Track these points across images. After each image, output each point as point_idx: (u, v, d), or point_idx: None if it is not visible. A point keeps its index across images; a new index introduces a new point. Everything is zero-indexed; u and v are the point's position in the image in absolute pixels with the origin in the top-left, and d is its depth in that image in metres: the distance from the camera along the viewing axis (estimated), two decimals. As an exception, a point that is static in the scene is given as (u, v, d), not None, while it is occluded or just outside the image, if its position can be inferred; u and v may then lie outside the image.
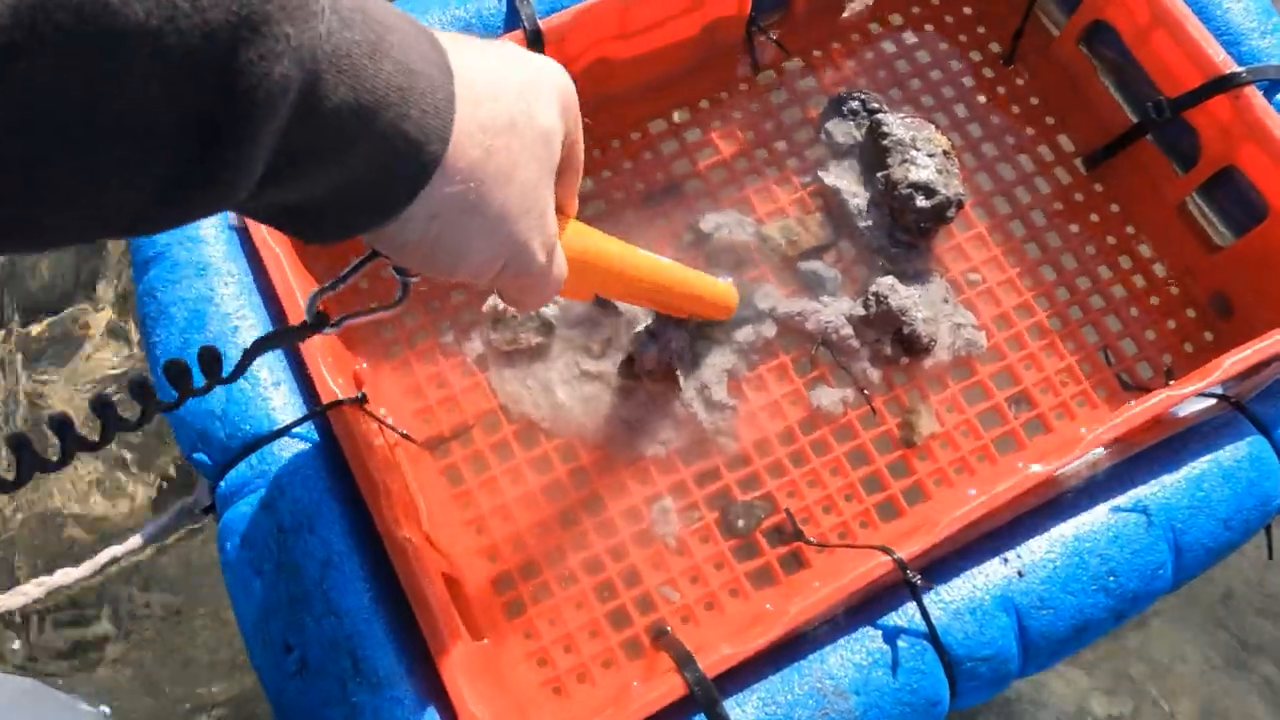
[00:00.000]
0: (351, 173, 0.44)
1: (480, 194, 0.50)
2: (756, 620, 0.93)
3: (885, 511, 1.01)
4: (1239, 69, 0.95)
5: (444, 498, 1.01)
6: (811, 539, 0.98)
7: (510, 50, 0.56)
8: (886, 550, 0.81)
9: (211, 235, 0.90)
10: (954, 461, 1.03)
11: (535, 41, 0.96)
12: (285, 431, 0.83)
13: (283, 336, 0.64)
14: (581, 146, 0.64)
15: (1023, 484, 0.82)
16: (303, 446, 0.84)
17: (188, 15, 0.33)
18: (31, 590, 0.84)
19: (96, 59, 0.31)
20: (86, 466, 1.28)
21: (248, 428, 0.84)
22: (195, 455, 0.85)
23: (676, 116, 1.16)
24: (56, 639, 1.16)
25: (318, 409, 0.84)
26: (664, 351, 0.96)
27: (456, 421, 1.03)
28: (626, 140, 1.14)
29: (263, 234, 0.89)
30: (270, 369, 0.86)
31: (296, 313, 0.86)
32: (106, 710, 0.75)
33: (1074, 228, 1.12)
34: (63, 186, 0.35)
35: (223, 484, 0.84)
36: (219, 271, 0.89)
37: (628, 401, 1.01)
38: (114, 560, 0.86)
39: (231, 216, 0.91)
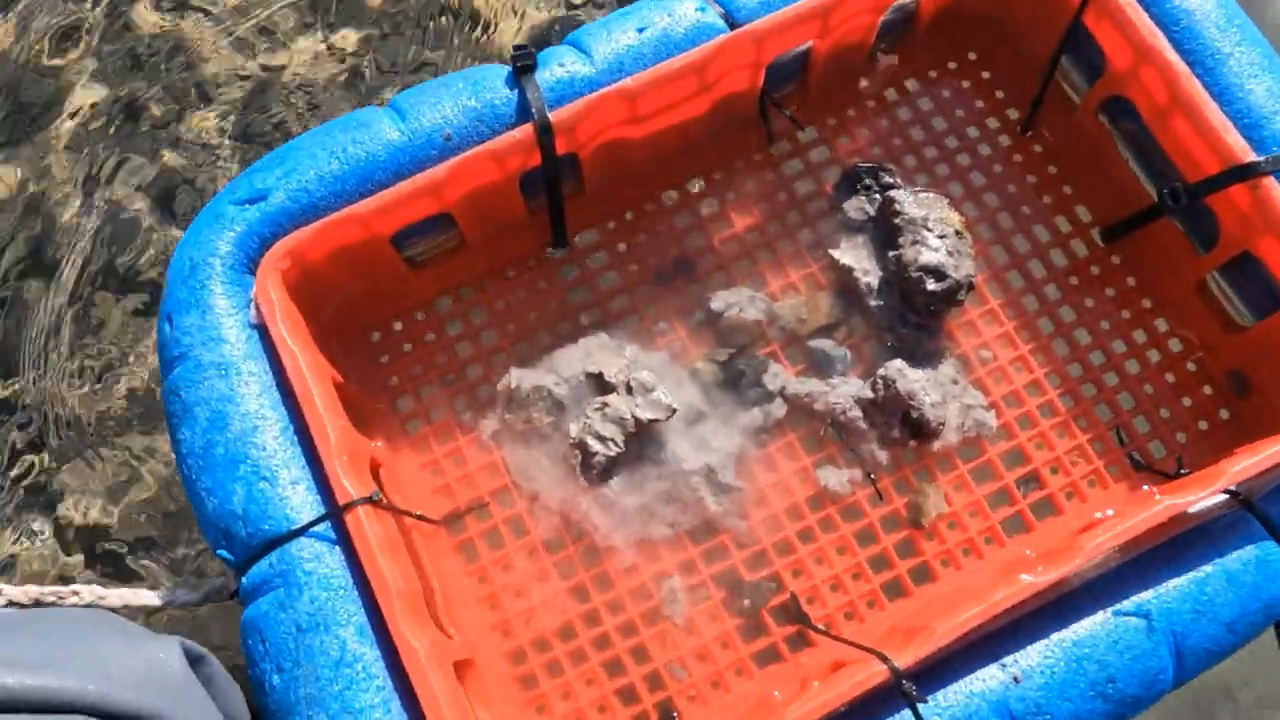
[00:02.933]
0: None
1: None
2: (759, 709, 0.96)
3: (892, 590, 1.03)
4: (1258, 158, 0.94)
5: (458, 575, 1.04)
6: (816, 623, 0.99)
7: None
8: (884, 658, 0.82)
9: (233, 335, 0.93)
10: (961, 543, 1.03)
11: (545, 133, 0.98)
12: (302, 532, 0.86)
13: None
14: None
15: (1022, 593, 0.83)
16: (320, 545, 0.87)
17: None
18: (79, 596, 0.89)
19: None
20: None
21: (267, 527, 0.87)
22: (219, 551, 0.89)
23: (692, 187, 1.16)
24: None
25: (332, 510, 0.87)
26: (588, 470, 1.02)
27: (472, 497, 1.06)
28: (641, 212, 1.15)
29: (281, 332, 0.91)
30: (289, 467, 0.89)
31: (314, 412, 0.89)
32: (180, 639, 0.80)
33: (1089, 301, 1.11)
34: None
35: (245, 580, 0.88)
36: (239, 371, 0.92)
37: (636, 484, 1.03)
38: (126, 606, 0.90)
39: (251, 313, 0.94)
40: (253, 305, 0.94)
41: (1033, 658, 0.86)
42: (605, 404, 1.02)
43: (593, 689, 1.00)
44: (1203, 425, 1.07)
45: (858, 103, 1.18)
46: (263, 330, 0.94)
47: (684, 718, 0.99)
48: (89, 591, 0.91)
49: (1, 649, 0.64)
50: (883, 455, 1.05)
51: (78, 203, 1.41)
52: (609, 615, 1.02)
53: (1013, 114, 1.18)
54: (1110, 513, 1.01)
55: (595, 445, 1.01)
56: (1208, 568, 0.88)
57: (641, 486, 1.03)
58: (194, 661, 0.75)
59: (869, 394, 1.04)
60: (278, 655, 0.84)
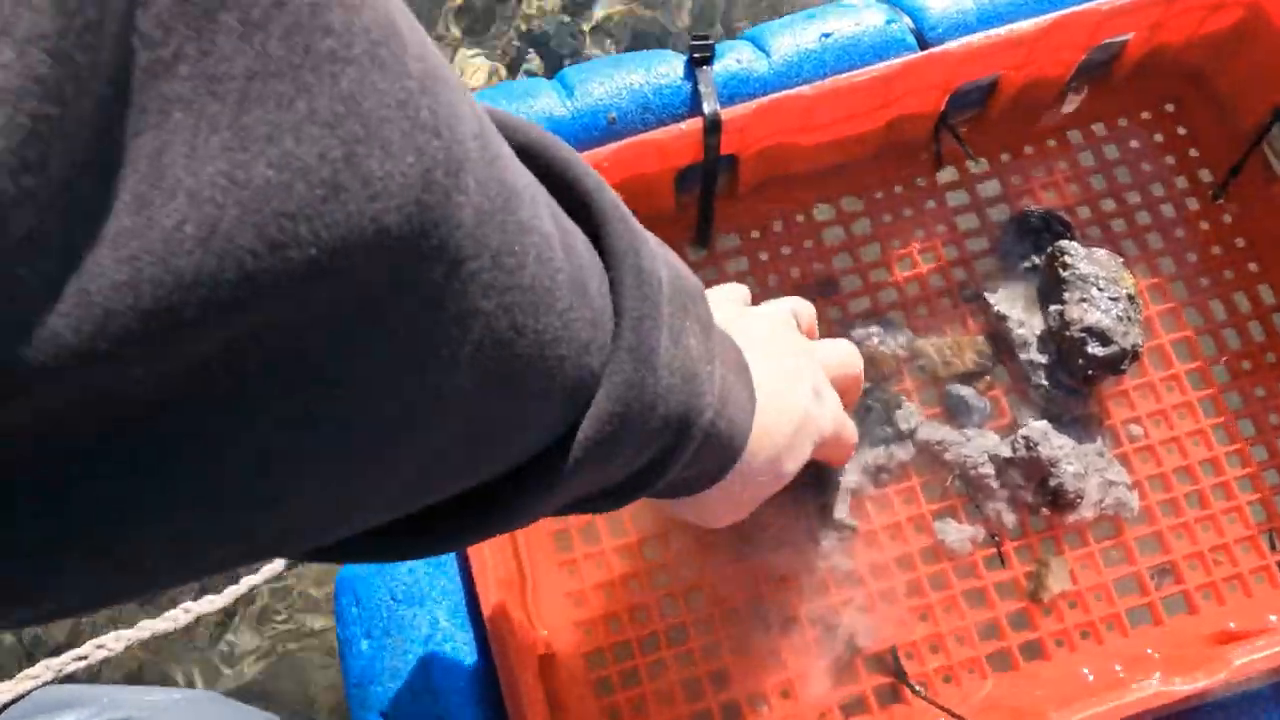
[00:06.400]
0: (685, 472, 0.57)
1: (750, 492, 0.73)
2: (842, 761, 0.91)
3: (997, 661, 0.97)
4: None
5: (550, 564, 1.01)
6: (913, 682, 0.94)
7: (779, 362, 0.71)
8: (992, 740, 0.77)
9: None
10: (1081, 625, 0.97)
11: (713, 130, 0.94)
12: (411, 501, 0.85)
13: None
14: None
15: (1158, 699, 0.77)
16: (425, 516, 0.85)
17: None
18: (180, 617, 0.89)
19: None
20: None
21: (377, 489, 0.86)
22: (325, 504, 0.88)
23: (846, 205, 1.11)
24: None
25: (444, 484, 0.85)
26: None
27: (574, 488, 1.04)
28: (790, 222, 1.11)
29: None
30: (405, 432, 0.88)
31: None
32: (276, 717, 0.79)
33: (1259, 390, 1.03)
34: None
35: (346, 537, 0.87)
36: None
37: (747, 505, 0.99)
38: (253, 588, 0.91)
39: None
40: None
41: (1151, 770, 0.79)
42: (728, 417, 0.98)
43: (668, 709, 0.97)
44: (1367, 545, 0.98)
45: (1037, 141, 1.11)
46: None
47: (759, 755, 0.95)
48: (199, 605, 0.90)
49: None
50: (1010, 518, 0.99)
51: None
52: (696, 633, 0.99)
53: (1205, 176, 1.09)
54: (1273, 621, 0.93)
55: (711, 458, 0.97)
56: (1366, 708, 0.81)
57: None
58: None
59: (1006, 452, 0.97)
60: (369, 621, 0.83)
